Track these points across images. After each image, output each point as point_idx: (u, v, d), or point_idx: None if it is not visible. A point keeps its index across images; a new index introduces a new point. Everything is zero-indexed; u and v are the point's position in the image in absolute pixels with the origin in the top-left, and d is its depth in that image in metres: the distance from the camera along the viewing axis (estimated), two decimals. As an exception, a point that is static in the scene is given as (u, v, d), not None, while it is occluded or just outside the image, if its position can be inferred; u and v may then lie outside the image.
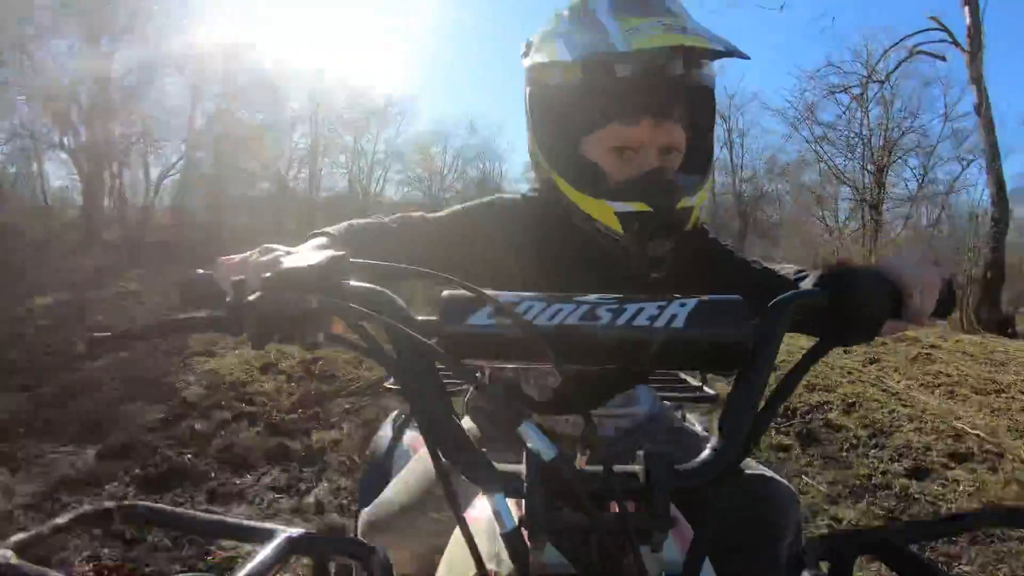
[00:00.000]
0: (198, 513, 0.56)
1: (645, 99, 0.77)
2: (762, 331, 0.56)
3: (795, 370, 0.58)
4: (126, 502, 0.56)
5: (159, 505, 0.58)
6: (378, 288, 0.55)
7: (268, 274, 0.51)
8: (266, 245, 0.64)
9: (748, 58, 0.76)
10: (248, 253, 0.64)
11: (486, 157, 22.12)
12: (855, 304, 0.59)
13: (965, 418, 3.59)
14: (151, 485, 2.61)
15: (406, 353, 0.53)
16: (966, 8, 9.53)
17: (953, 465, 3.03)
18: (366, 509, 0.88)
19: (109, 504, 0.56)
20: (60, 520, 0.53)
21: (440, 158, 21.21)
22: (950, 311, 0.66)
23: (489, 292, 0.54)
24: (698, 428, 1.08)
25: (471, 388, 1.05)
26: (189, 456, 2.85)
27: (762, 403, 0.55)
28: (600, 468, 0.51)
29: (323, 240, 0.74)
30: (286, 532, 0.51)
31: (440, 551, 0.73)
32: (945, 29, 10.91)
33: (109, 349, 0.50)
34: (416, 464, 0.93)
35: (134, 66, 12.19)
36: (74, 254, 9.50)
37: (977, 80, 9.62)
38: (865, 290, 0.60)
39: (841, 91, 14.78)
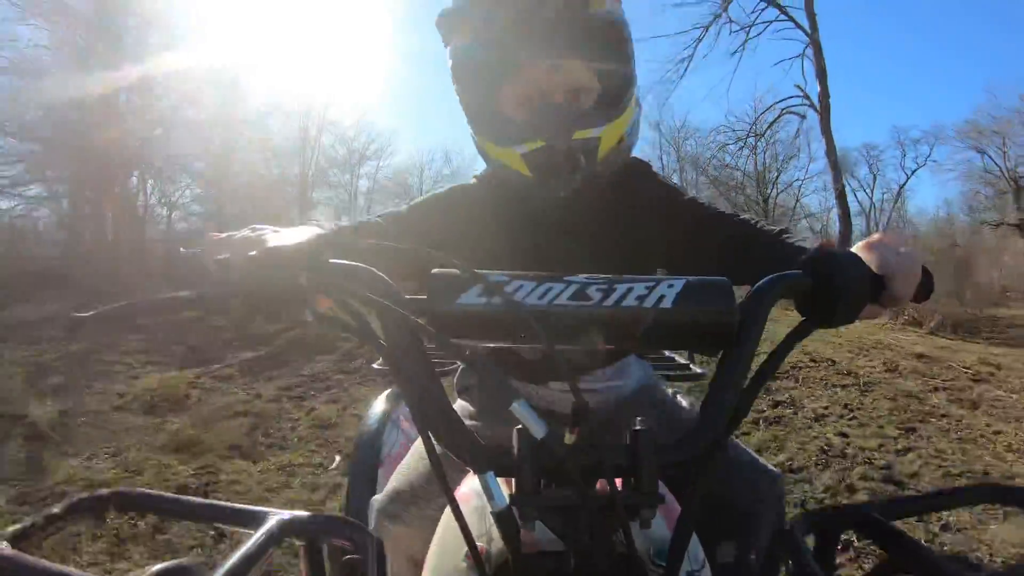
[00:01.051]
0: (191, 498, 0.57)
1: (534, 41, 0.78)
2: (747, 312, 0.57)
3: (778, 350, 0.59)
4: (120, 489, 0.56)
5: (153, 491, 0.58)
6: (366, 267, 0.54)
7: (254, 252, 0.51)
8: (253, 226, 0.64)
9: None
10: (234, 232, 0.63)
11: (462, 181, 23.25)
12: (837, 288, 0.60)
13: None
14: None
15: (394, 332, 0.53)
16: (817, 80, 13.68)
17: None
18: (377, 497, 0.87)
19: (103, 492, 0.56)
20: (54, 509, 0.53)
21: (416, 188, 22.54)
22: (928, 295, 0.68)
23: (478, 271, 0.54)
24: (685, 404, 1.08)
25: (460, 367, 1.05)
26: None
27: (746, 382, 0.56)
28: (589, 445, 0.51)
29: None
30: (278, 515, 0.51)
31: None
32: (806, 95, 15.17)
33: (91, 329, 0.50)
34: (417, 449, 0.93)
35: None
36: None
37: (826, 132, 13.67)
38: (847, 275, 0.61)
39: (733, 143, 19.78)
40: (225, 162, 14.67)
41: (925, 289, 0.66)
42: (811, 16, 13.66)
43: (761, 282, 0.59)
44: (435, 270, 0.56)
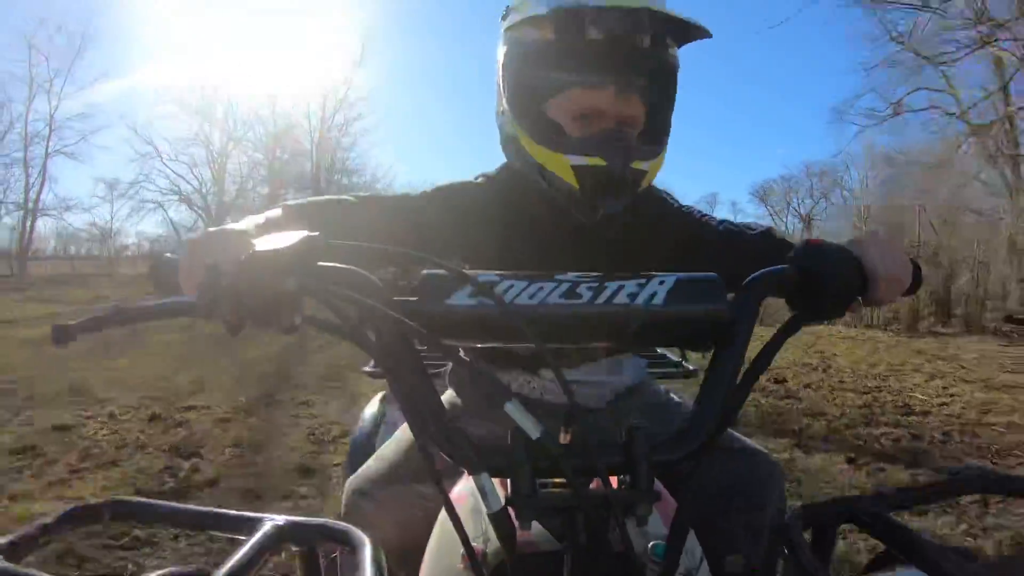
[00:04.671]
0: (186, 506, 0.56)
1: (611, 65, 0.80)
2: (738, 308, 0.57)
3: (770, 345, 0.59)
4: (114, 498, 0.56)
5: (147, 500, 0.58)
6: (355, 269, 0.54)
7: (242, 257, 0.49)
8: (228, 226, 0.63)
9: (711, 36, 0.81)
10: (213, 232, 0.62)
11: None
12: (826, 284, 0.60)
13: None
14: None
15: (386, 335, 0.53)
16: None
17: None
18: (351, 477, 0.88)
19: (97, 501, 0.56)
20: (48, 520, 0.53)
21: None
22: (915, 290, 0.69)
23: (468, 272, 0.54)
24: (689, 402, 1.08)
25: (449, 364, 1.05)
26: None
27: (739, 378, 0.56)
28: (585, 444, 0.51)
29: (278, 212, 0.75)
30: (273, 520, 0.51)
31: (423, 521, 0.74)
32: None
33: (73, 337, 0.48)
34: (401, 434, 0.93)
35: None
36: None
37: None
38: (836, 272, 0.61)
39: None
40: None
41: (913, 287, 0.67)
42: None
43: (750, 277, 0.59)
44: (425, 271, 0.55)
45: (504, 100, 0.87)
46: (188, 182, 24.97)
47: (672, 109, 0.88)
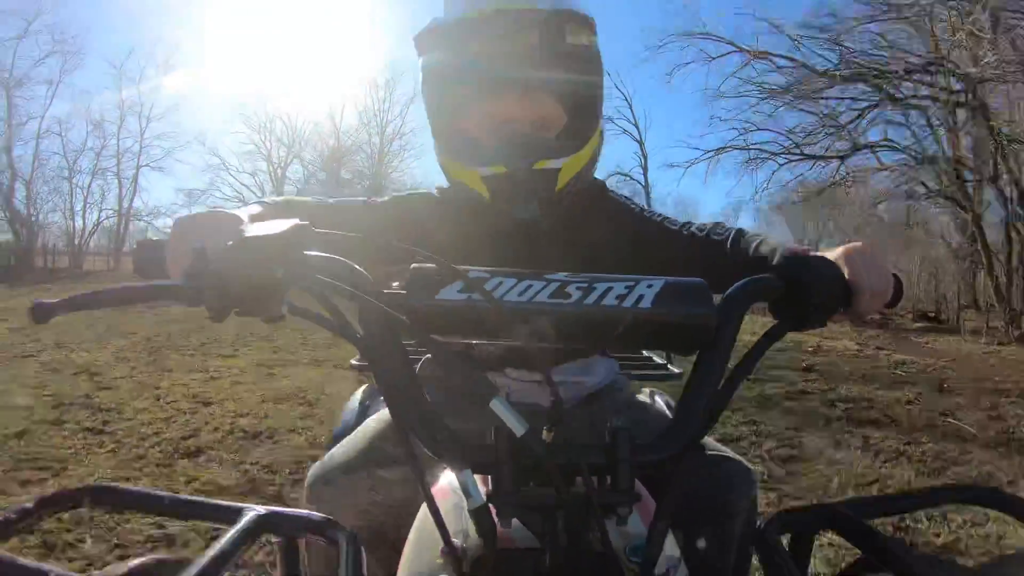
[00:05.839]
0: (166, 493, 0.56)
1: (509, 68, 0.80)
2: (723, 314, 0.57)
3: (753, 351, 0.59)
4: (93, 483, 0.55)
5: (127, 487, 0.58)
6: (343, 259, 0.53)
7: (231, 242, 0.49)
8: (218, 210, 0.63)
9: (589, 18, 0.82)
10: (203, 215, 0.62)
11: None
12: (809, 291, 0.61)
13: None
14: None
15: (373, 327, 0.52)
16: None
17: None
18: (315, 464, 0.87)
19: (77, 486, 0.55)
20: (27, 504, 0.53)
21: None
22: (896, 304, 0.70)
23: (459, 267, 0.54)
24: (660, 402, 1.09)
25: (424, 357, 1.05)
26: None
27: (721, 382, 0.57)
28: (567, 443, 0.52)
29: (258, 209, 0.74)
30: (254, 510, 0.51)
31: (387, 506, 0.75)
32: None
33: (53, 315, 0.47)
34: (369, 421, 0.93)
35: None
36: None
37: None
38: (820, 279, 0.62)
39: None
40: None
41: (894, 300, 0.68)
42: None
43: (736, 285, 0.60)
44: (415, 265, 0.55)
45: (428, 122, 0.89)
46: (251, 190, 27.34)
47: (595, 97, 0.87)
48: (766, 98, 12.05)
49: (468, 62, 0.80)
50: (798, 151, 12.20)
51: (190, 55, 38.06)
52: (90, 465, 2.63)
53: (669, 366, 1.43)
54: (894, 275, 0.68)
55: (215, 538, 0.48)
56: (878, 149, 11.59)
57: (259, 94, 37.82)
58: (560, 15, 0.79)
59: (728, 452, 0.90)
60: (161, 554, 0.52)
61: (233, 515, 0.52)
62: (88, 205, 24.22)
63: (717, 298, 0.59)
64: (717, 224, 0.95)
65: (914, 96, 10.83)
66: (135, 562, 0.50)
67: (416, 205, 0.96)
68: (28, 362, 4.93)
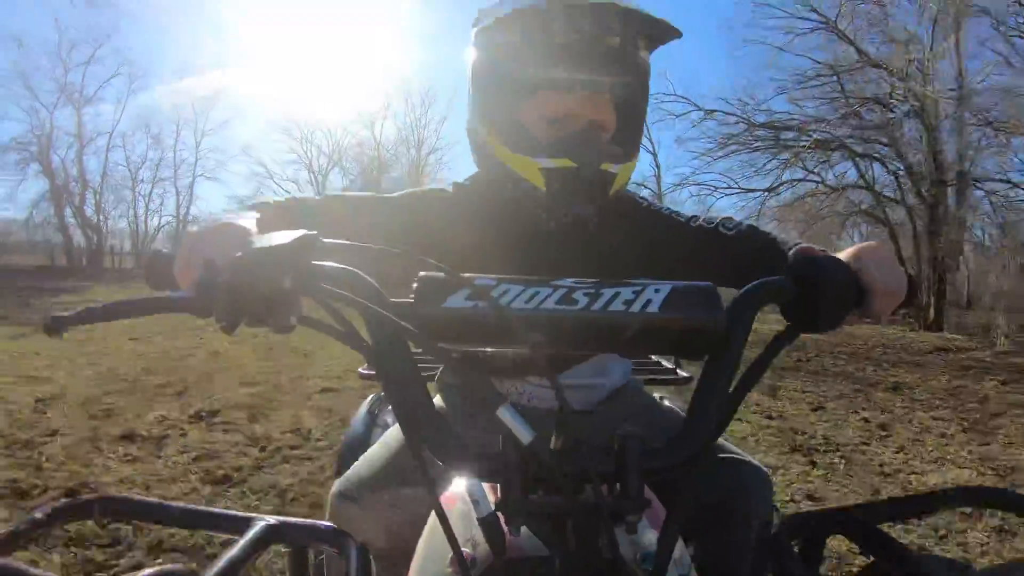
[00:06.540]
0: (176, 504, 0.56)
1: (579, 65, 0.79)
2: (733, 317, 0.57)
3: (764, 354, 0.59)
4: (104, 495, 0.56)
5: (137, 497, 0.58)
6: (351, 269, 0.53)
7: (239, 253, 0.49)
8: (227, 220, 0.63)
9: (680, 35, 0.81)
10: (212, 227, 0.62)
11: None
12: (821, 293, 0.60)
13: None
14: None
15: (381, 336, 0.52)
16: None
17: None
18: (338, 480, 0.87)
19: (87, 497, 0.56)
20: (38, 515, 0.53)
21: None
22: (910, 305, 0.69)
23: (466, 275, 0.54)
24: (675, 406, 1.08)
25: (441, 366, 1.04)
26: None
27: (732, 387, 0.56)
28: (575, 451, 0.51)
29: (253, 217, 0.75)
30: (264, 520, 0.51)
31: (410, 523, 0.74)
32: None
33: (66, 328, 0.47)
34: (389, 436, 0.92)
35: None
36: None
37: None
38: (833, 284, 0.61)
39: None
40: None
41: (908, 299, 0.67)
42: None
43: (746, 288, 0.59)
44: (422, 273, 0.55)
45: (476, 107, 0.87)
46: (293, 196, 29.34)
47: (645, 113, 0.87)
48: (712, 148, 15.38)
49: (546, 50, 0.78)
50: (737, 186, 15.59)
51: (238, 73, 40.55)
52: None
53: (678, 371, 1.42)
54: (907, 274, 0.67)
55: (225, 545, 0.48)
56: (796, 182, 15.11)
57: (301, 104, 39.71)
58: (657, 25, 0.79)
59: (743, 455, 0.90)
60: (172, 564, 0.52)
61: (243, 525, 0.52)
62: (150, 212, 27.64)
63: (727, 299, 0.58)
64: (726, 218, 0.94)
65: (830, 141, 13.68)
66: (146, 572, 0.50)
67: (431, 204, 0.94)
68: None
